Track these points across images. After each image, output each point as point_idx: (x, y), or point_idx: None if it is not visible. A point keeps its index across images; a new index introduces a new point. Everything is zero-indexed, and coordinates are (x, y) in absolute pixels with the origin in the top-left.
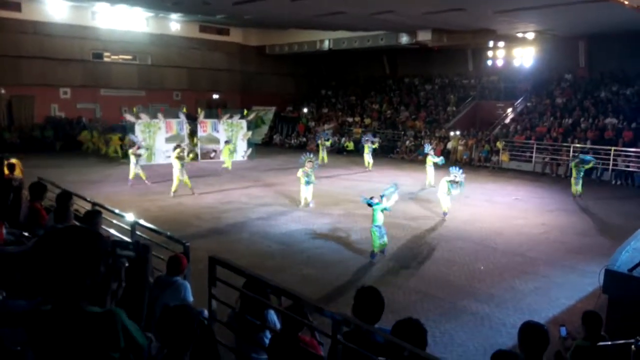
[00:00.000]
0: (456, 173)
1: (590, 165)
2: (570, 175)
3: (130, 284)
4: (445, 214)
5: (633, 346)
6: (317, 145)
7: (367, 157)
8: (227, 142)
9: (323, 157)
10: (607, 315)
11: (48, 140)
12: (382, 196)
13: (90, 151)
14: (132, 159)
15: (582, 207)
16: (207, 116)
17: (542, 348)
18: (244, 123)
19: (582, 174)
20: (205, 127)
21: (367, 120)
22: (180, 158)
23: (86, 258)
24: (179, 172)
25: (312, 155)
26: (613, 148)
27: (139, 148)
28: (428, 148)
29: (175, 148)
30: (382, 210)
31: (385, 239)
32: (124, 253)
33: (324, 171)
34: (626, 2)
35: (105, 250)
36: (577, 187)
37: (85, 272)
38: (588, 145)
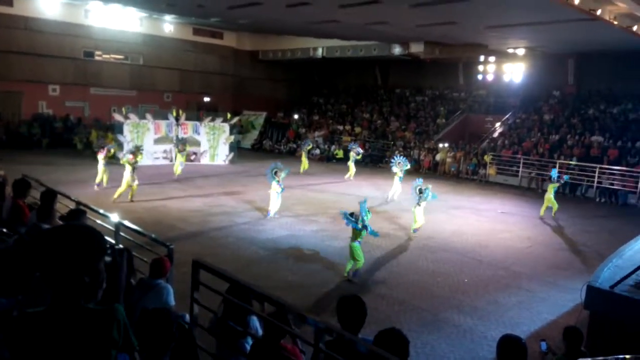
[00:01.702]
0: (418, 184)
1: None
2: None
3: (106, 287)
4: (415, 230)
5: None
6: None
7: (351, 166)
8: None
9: (304, 164)
10: (588, 331)
11: (35, 137)
12: (358, 218)
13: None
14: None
15: (566, 223)
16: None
17: None
18: (226, 126)
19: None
20: (186, 129)
21: (357, 129)
22: (130, 163)
23: (87, 256)
24: (129, 177)
25: (279, 164)
26: (598, 166)
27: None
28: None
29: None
30: (362, 233)
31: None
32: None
33: (312, 178)
34: (615, 23)
35: (104, 248)
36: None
37: (86, 270)
38: (574, 162)
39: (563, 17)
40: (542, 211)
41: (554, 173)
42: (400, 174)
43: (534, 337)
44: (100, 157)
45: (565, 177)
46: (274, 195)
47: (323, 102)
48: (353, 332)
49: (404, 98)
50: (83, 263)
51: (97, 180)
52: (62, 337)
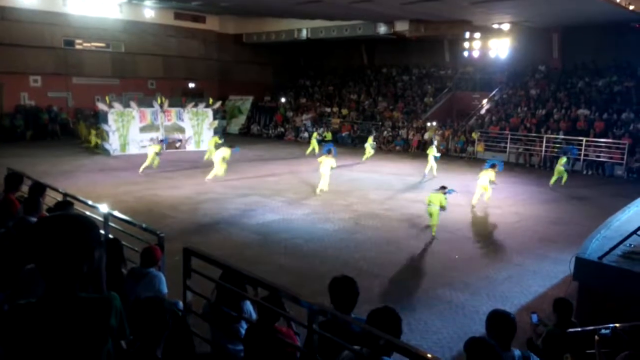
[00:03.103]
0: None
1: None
2: (545, 166)
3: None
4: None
5: (596, 336)
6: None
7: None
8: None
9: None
10: (578, 302)
11: (18, 129)
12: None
13: (88, 144)
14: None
15: (554, 196)
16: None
17: (509, 335)
18: (209, 112)
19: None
20: (170, 116)
21: (345, 111)
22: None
23: (83, 244)
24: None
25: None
26: (585, 139)
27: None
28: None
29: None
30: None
31: None
32: None
33: (302, 162)
34: None
35: (98, 235)
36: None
37: (82, 259)
38: (561, 136)
39: None
40: (552, 181)
41: (572, 150)
42: (436, 153)
43: (525, 310)
44: (156, 147)
45: (574, 151)
46: (327, 172)
47: (310, 84)
48: (345, 311)
49: (390, 78)
50: (77, 251)
51: (148, 164)
52: (58, 327)
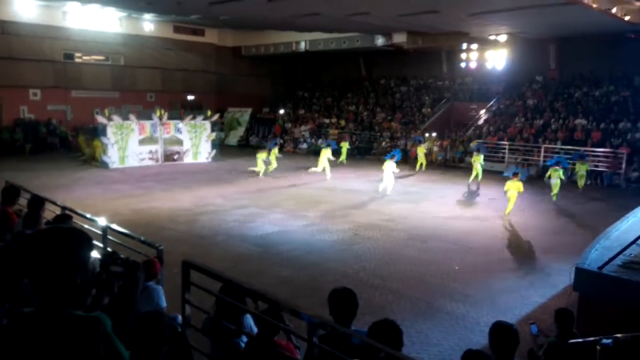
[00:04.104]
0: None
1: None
2: (544, 176)
3: (118, 299)
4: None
5: (598, 346)
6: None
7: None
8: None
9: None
10: (578, 313)
11: (17, 142)
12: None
13: (86, 157)
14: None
15: (553, 206)
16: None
17: (512, 347)
18: (207, 124)
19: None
20: (169, 129)
21: (343, 122)
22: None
23: (74, 256)
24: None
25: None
26: (583, 148)
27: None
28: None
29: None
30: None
31: None
32: (115, 270)
33: (301, 173)
34: (594, 6)
35: (92, 248)
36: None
37: (74, 271)
38: (558, 146)
39: (543, 1)
40: (554, 196)
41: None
42: (481, 161)
43: (525, 321)
44: (272, 152)
45: (564, 164)
46: (390, 174)
47: (308, 96)
48: (345, 324)
49: (389, 89)
50: (68, 263)
51: (270, 169)
52: (44, 343)
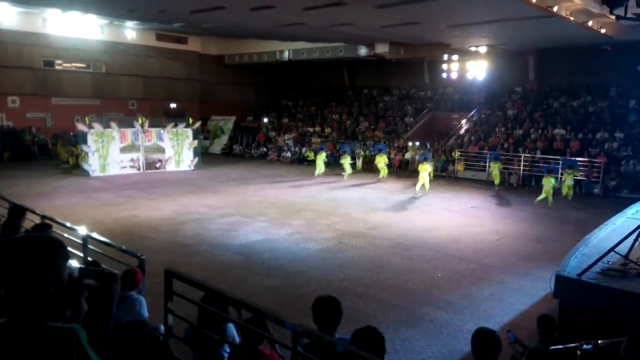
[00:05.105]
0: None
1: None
2: (524, 185)
3: (94, 312)
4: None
5: (578, 351)
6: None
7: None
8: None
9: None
10: (559, 319)
11: None
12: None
13: (70, 166)
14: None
15: (533, 214)
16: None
17: (495, 354)
18: (189, 132)
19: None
20: (150, 137)
21: (327, 130)
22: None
23: (47, 265)
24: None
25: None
26: (561, 158)
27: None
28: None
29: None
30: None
31: None
32: (88, 282)
33: (284, 181)
34: (571, 19)
35: (67, 257)
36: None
37: (48, 280)
38: (538, 155)
39: (521, 14)
40: (538, 199)
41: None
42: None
43: (507, 328)
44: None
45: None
46: (426, 176)
47: (292, 104)
48: (329, 331)
49: (372, 98)
50: (41, 272)
51: (318, 172)
52: (12, 354)
